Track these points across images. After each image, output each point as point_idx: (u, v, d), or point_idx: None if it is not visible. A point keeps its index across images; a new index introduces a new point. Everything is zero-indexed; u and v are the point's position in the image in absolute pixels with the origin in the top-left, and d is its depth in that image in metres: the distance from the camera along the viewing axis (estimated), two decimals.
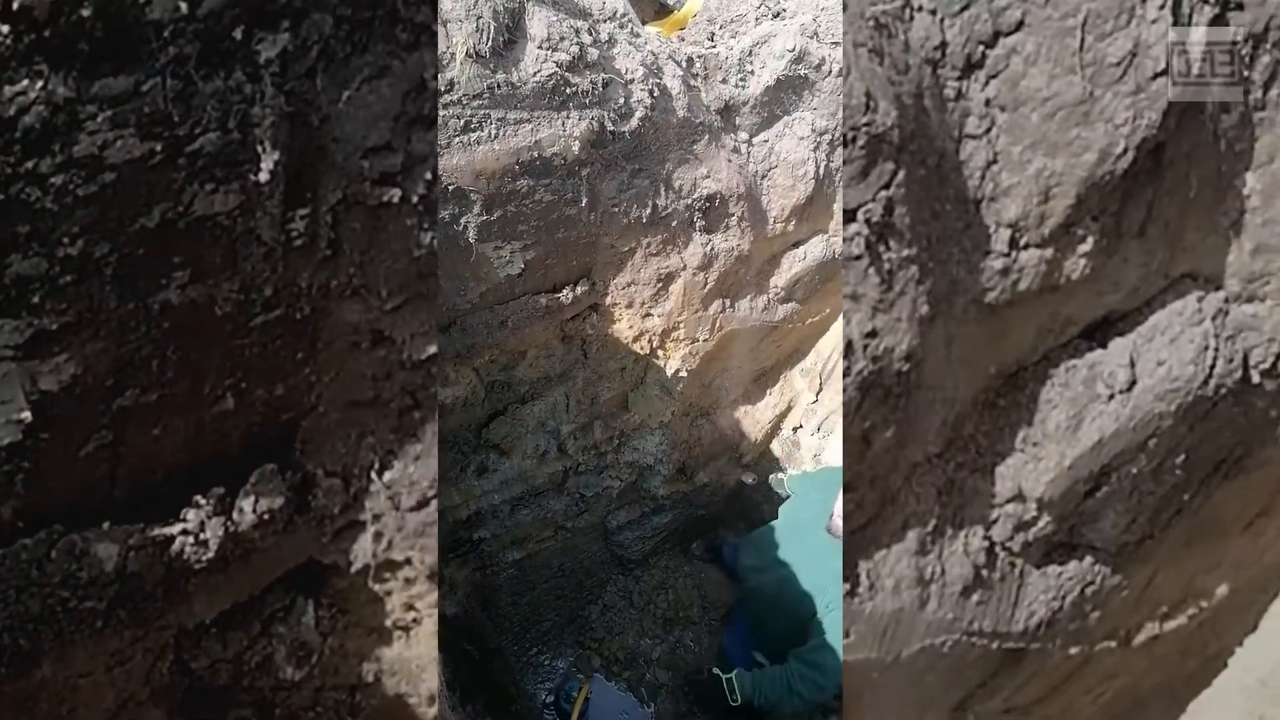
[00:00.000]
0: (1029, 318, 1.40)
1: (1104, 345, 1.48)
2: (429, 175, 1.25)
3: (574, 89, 2.22)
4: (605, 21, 2.35)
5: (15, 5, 0.94)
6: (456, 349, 2.53)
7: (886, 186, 1.20)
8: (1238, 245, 1.47)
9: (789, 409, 3.90)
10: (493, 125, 2.12)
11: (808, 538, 3.02)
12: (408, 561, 1.40)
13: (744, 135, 2.68)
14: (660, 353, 3.13)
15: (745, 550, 3.46)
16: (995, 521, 1.59)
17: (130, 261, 1.08)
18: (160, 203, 1.08)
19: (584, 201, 2.39)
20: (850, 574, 1.51)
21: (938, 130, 1.29)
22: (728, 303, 3.07)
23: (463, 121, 2.06)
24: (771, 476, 3.71)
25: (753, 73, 2.57)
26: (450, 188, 2.09)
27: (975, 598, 1.63)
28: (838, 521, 2.76)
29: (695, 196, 2.61)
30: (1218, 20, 1.35)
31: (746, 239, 2.82)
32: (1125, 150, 1.31)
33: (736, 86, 2.57)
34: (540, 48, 2.13)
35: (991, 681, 1.82)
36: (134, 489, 1.22)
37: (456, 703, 2.68)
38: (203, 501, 1.26)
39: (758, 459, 4.02)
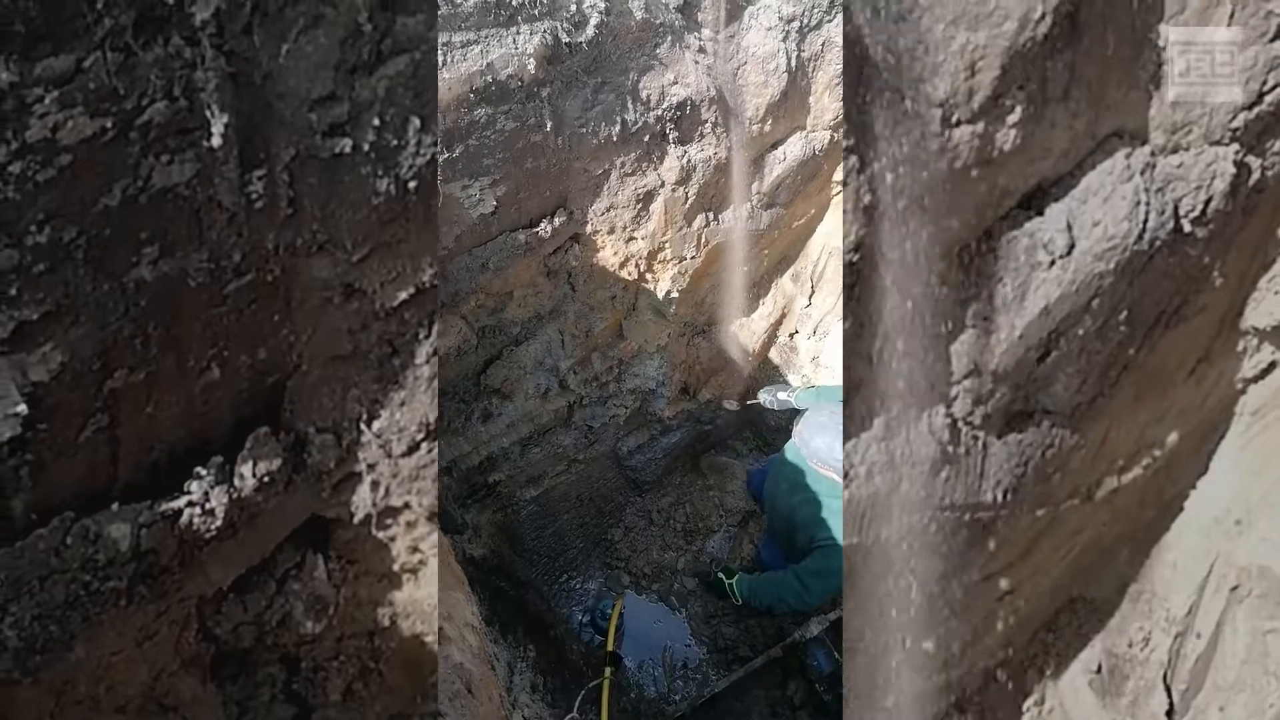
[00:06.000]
0: (968, 194, 1.45)
1: (1041, 212, 1.50)
2: (376, 121, 1.25)
3: (519, 1, 2.08)
4: None
5: None
6: (440, 298, 2.44)
7: None
8: (1158, 98, 1.50)
9: (783, 316, 3.84)
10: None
11: (807, 469, 3.09)
12: (406, 506, 1.45)
13: (707, 32, 2.50)
14: (649, 276, 3.06)
15: (766, 477, 3.54)
16: (955, 398, 1.63)
17: (99, 242, 1.09)
18: (119, 179, 1.08)
19: (549, 125, 2.27)
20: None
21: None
22: (711, 215, 2.95)
23: None
24: (763, 392, 3.59)
25: None
26: None
27: (944, 474, 1.68)
28: (816, 451, 2.82)
29: (665, 106, 2.47)
30: None
31: (723, 146, 2.68)
32: (1043, 15, 1.34)
33: None
34: None
35: (967, 552, 1.86)
36: (136, 468, 1.24)
37: (497, 634, 2.71)
38: (204, 472, 1.29)
39: (758, 368, 4.01)
